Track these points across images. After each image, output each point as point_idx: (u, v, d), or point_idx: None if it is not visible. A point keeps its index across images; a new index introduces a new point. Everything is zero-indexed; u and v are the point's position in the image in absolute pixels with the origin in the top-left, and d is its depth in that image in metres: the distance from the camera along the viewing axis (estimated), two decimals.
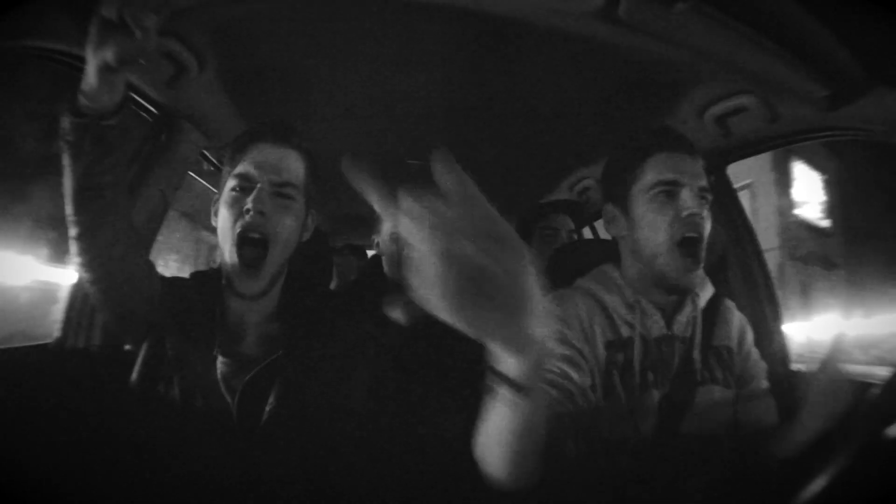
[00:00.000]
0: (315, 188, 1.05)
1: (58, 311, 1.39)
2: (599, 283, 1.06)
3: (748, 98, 1.27)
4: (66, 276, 1.39)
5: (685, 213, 0.96)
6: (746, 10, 0.99)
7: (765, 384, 1.09)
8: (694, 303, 1.06)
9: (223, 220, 0.97)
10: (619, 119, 1.57)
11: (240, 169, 0.97)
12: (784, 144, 1.37)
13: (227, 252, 0.96)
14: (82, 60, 1.09)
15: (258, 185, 0.96)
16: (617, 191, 1.06)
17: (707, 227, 0.99)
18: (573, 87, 1.43)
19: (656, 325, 1.03)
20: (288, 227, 0.98)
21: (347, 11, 1.10)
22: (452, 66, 1.33)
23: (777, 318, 1.56)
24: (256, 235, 0.95)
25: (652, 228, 0.99)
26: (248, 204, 0.94)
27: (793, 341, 1.56)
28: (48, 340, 1.37)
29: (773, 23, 1.01)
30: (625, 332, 1.02)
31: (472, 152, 2.00)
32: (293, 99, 1.54)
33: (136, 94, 1.27)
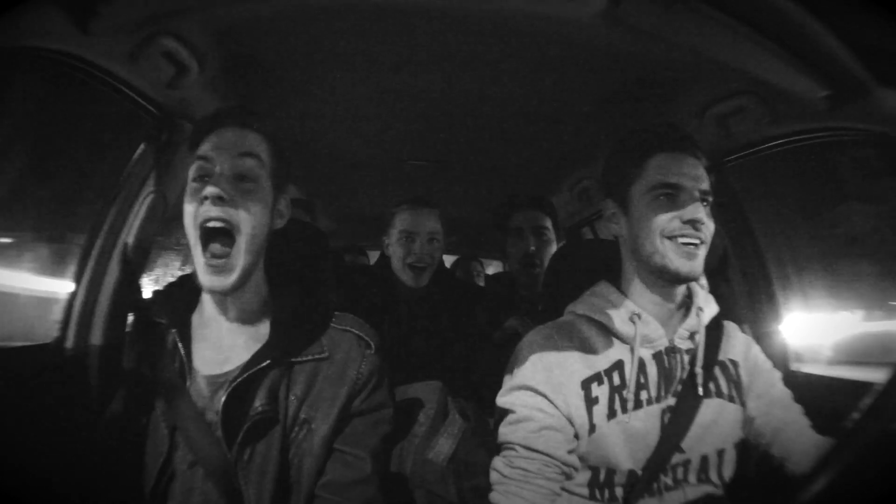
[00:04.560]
0: (283, 172, 1.01)
1: (57, 312, 1.39)
2: (594, 305, 1.06)
3: (748, 98, 1.27)
4: (66, 276, 1.39)
5: (686, 219, 0.96)
6: (746, 9, 0.99)
7: (783, 392, 1.09)
8: (698, 317, 1.05)
9: (186, 214, 0.93)
10: (618, 119, 1.57)
11: (199, 152, 0.94)
12: (785, 145, 1.37)
13: (193, 247, 0.93)
14: (81, 60, 1.10)
15: (216, 170, 0.92)
16: (617, 188, 1.05)
17: (709, 230, 0.98)
18: (573, 88, 1.43)
19: (659, 337, 1.02)
20: (254, 212, 0.93)
21: (348, 11, 1.10)
22: (452, 66, 1.33)
23: (778, 319, 1.56)
24: (218, 224, 0.90)
25: (651, 230, 0.98)
26: (206, 191, 0.90)
27: (793, 341, 1.56)
28: (48, 340, 1.37)
29: (773, 23, 1.01)
30: (618, 351, 1.01)
31: (472, 152, 2.00)
32: (294, 99, 1.54)
33: (136, 94, 1.27)
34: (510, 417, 0.99)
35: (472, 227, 3.10)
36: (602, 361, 1.01)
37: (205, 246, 0.91)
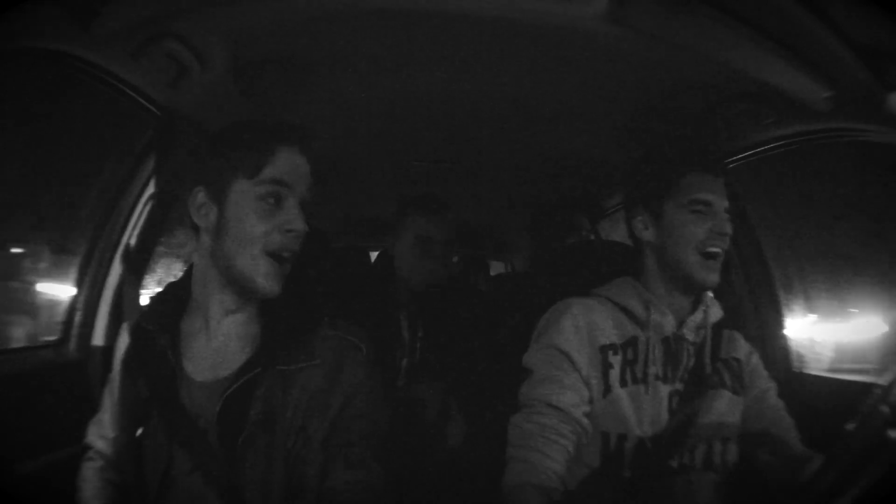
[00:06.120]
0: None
1: (60, 314, 1.39)
2: (619, 290, 1.16)
3: (751, 100, 1.27)
4: (69, 278, 1.40)
5: (717, 231, 1.07)
6: (749, 11, 0.99)
7: (777, 400, 1.14)
8: (705, 313, 1.13)
9: (251, 229, 0.92)
10: (619, 120, 1.57)
11: (273, 174, 0.93)
12: (788, 146, 1.37)
13: (249, 264, 0.93)
14: (83, 61, 1.10)
15: (294, 200, 0.94)
16: (649, 199, 1.14)
17: (728, 241, 1.09)
18: (573, 89, 1.43)
19: (668, 324, 1.11)
20: (303, 235, 0.96)
21: (350, 12, 1.10)
22: (454, 67, 1.33)
23: (780, 321, 1.56)
24: (288, 254, 0.94)
25: (684, 240, 1.09)
26: (292, 223, 0.92)
27: (795, 343, 1.56)
28: (50, 341, 1.37)
29: (776, 24, 1.01)
30: (632, 330, 1.11)
31: (476, 154, 2.00)
32: (296, 99, 1.54)
33: (138, 95, 1.27)
34: (532, 377, 1.08)
35: (473, 227, 3.10)
36: (618, 336, 1.11)
37: (270, 271, 0.93)
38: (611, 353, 1.09)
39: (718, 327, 1.17)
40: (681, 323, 1.12)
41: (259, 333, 0.98)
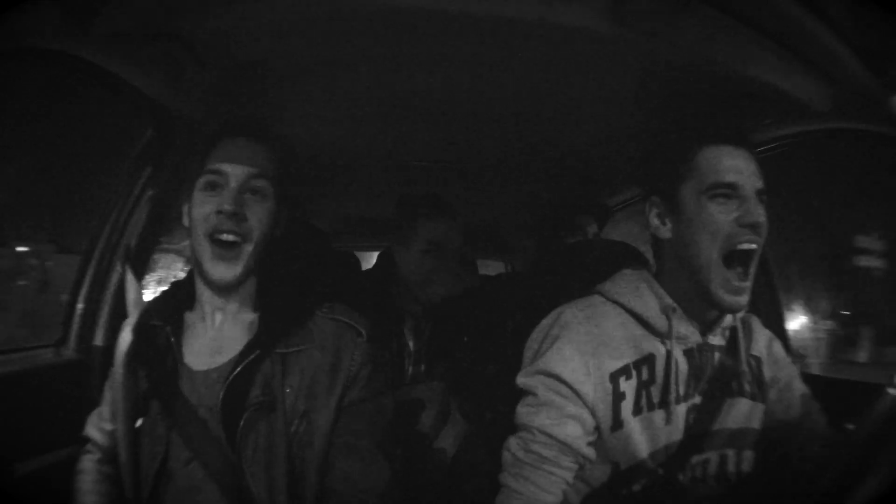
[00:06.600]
0: (288, 184, 1.05)
1: (60, 313, 1.39)
2: (626, 289, 1.00)
3: (751, 100, 1.27)
4: (68, 277, 1.39)
5: (747, 221, 0.88)
6: (749, 11, 0.99)
7: (802, 386, 1.06)
8: (734, 314, 1.00)
9: (196, 219, 0.96)
10: (619, 120, 1.57)
11: (210, 164, 0.97)
12: (787, 146, 1.37)
13: (197, 250, 0.97)
14: (82, 61, 1.09)
15: (230, 183, 0.96)
16: (663, 186, 0.97)
17: (765, 235, 0.91)
18: (573, 89, 1.42)
19: (693, 333, 0.97)
20: (261, 224, 0.98)
21: (350, 11, 1.10)
22: (453, 67, 1.33)
23: (780, 321, 1.56)
24: (230, 238, 0.95)
25: (706, 234, 0.90)
26: (221, 205, 0.94)
27: (796, 343, 1.56)
28: (50, 342, 1.37)
29: (776, 24, 1.00)
30: (649, 345, 0.96)
31: (476, 153, 2.00)
32: (294, 100, 1.54)
33: (137, 95, 1.27)
34: (531, 399, 0.95)
35: (474, 227, 3.10)
36: (630, 352, 0.96)
37: (214, 254, 0.96)
38: (623, 378, 0.93)
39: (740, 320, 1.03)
40: (707, 328, 0.98)
41: (256, 321, 1.00)
